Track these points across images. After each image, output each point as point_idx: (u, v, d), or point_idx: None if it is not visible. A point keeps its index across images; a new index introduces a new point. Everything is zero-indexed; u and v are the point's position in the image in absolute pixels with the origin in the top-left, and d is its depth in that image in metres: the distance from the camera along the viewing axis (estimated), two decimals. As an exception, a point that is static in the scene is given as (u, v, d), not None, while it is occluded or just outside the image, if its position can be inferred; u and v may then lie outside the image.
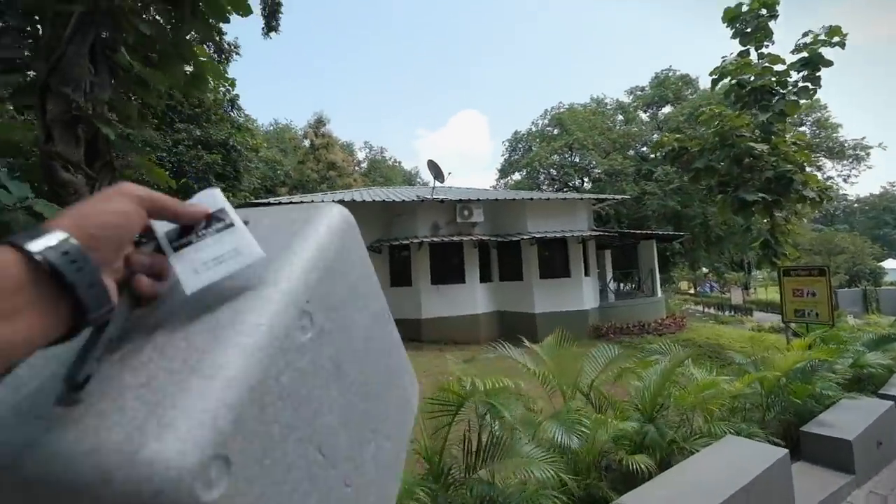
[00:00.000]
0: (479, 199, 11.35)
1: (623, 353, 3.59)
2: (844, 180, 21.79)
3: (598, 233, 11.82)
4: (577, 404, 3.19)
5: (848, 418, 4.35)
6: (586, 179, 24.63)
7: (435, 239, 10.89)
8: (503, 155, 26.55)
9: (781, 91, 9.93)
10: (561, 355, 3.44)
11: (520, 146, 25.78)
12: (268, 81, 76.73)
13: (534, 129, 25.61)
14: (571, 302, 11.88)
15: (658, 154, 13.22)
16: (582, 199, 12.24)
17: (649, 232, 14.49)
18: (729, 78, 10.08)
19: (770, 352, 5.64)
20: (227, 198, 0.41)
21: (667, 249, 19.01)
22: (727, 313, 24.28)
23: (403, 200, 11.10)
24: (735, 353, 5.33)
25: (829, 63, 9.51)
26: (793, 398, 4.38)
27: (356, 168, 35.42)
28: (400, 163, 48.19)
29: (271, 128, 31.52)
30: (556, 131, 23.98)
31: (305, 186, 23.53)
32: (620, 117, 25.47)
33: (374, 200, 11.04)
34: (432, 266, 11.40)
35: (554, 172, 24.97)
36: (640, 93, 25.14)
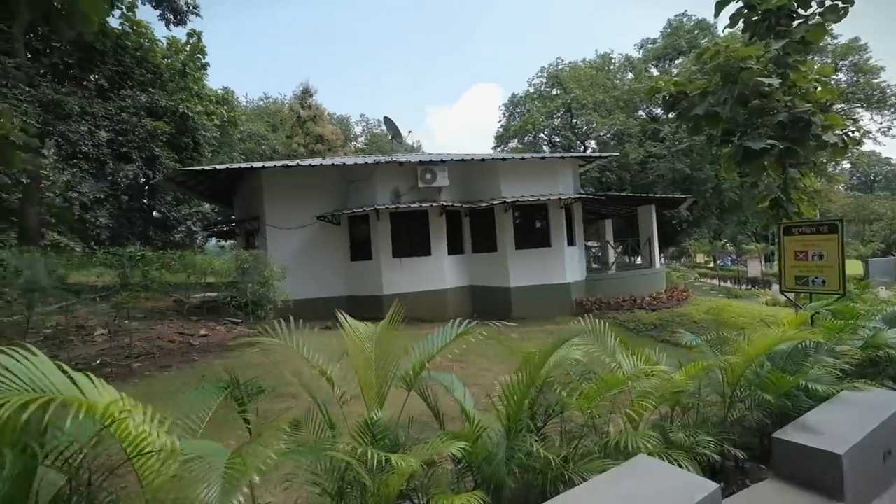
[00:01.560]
0: (443, 161, 10.06)
1: (475, 330, 2.42)
2: (884, 133, 18.92)
3: (580, 196, 10.40)
4: (380, 414, 2.08)
5: (844, 420, 3.12)
6: (592, 143, 22.68)
7: (392, 206, 9.76)
8: (499, 121, 24.67)
9: (804, 13, 8.11)
10: (382, 340, 2.32)
11: (517, 111, 23.83)
12: (266, 57, 75.18)
13: (532, 90, 23.53)
14: (552, 274, 10.65)
15: (654, 103, 11.47)
16: (563, 158, 10.74)
17: (644, 195, 12.89)
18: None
19: (753, 328, 4.38)
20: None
21: (673, 217, 17.25)
22: (743, 287, 22.46)
23: (356, 164, 9.94)
24: (686, 332, 4.04)
25: (865, -28, 7.61)
26: (766, 393, 3.17)
27: (353, 143, 34.16)
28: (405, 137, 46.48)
29: (262, 102, 30.47)
30: (554, 91, 21.91)
31: (292, 161, 22.64)
32: (630, 75, 23.09)
33: (321, 165, 9.89)
34: (394, 237, 10.32)
35: (557, 139, 23.08)
36: (651, 46, 22.62)
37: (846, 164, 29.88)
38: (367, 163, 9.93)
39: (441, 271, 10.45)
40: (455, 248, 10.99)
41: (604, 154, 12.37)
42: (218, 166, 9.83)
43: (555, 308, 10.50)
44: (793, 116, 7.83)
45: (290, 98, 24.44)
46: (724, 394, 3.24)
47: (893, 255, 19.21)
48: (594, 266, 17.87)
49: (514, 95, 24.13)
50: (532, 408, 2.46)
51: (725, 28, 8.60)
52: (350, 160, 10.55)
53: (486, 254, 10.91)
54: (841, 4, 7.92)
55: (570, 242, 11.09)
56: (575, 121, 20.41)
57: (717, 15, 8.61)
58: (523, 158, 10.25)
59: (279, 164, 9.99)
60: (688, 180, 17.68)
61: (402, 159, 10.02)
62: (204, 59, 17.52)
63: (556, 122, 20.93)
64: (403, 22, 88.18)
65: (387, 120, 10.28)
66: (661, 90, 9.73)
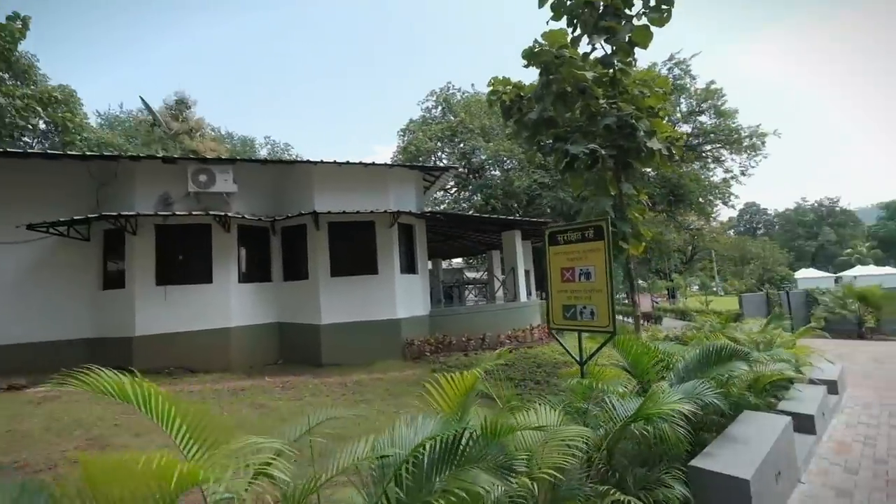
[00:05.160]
0: (229, 160, 7.84)
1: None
2: (743, 173, 20.10)
3: (401, 211, 8.57)
4: None
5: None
6: (495, 172, 21.84)
7: (157, 215, 7.23)
8: (396, 146, 23.29)
9: (628, 13, 7.29)
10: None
11: (414, 136, 22.74)
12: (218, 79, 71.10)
13: (425, 114, 22.65)
14: (379, 309, 8.53)
15: (494, 110, 10.33)
16: (391, 167, 9.01)
17: (496, 217, 11.51)
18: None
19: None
20: None
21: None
22: (645, 323, 22.01)
23: (103, 157, 7.38)
24: None
25: (682, -27, 6.96)
26: None
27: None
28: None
29: (140, 113, 26.89)
30: (449, 117, 21.11)
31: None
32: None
33: (55, 157, 7.22)
34: (159, 258, 7.69)
35: (462, 169, 22.02)
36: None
37: (733, 213, 32.13)
38: (117, 156, 7.41)
39: (225, 304, 7.90)
40: (259, 274, 8.58)
41: (441, 167, 10.87)
42: None
43: (380, 350, 8.31)
44: (619, 120, 6.74)
45: (160, 108, 21.32)
46: None
47: (761, 291, 19.83)
48: (481, 299, 16.15)
49: (411, 121, 23.09)
50: None
51: (549, 21, 7.59)
52: (97, 154, 7.94)
53: (296, 282, 8.60)
54: (664, 6, 7.20)
55: (409, 269, 9.15)
56: (465, 145, 19.37)
57: (541, 5, 7.58)
58: (339, 164, 8.32)
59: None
60: (575, 212, 17.01)
61: (173, 155, 7.64)
62: (18, 45, 14.62)
63: (448, 149, 19.88)
64: (358, 60, 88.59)
65: (143, 101, 7.99)
66: (500, 94, 8.55)
